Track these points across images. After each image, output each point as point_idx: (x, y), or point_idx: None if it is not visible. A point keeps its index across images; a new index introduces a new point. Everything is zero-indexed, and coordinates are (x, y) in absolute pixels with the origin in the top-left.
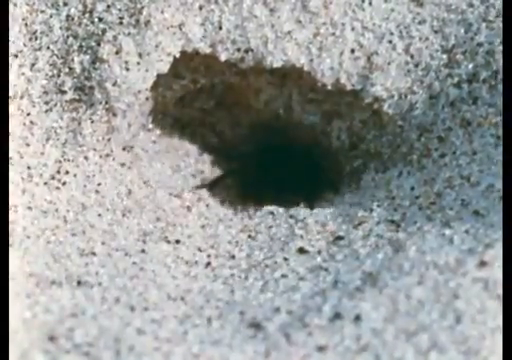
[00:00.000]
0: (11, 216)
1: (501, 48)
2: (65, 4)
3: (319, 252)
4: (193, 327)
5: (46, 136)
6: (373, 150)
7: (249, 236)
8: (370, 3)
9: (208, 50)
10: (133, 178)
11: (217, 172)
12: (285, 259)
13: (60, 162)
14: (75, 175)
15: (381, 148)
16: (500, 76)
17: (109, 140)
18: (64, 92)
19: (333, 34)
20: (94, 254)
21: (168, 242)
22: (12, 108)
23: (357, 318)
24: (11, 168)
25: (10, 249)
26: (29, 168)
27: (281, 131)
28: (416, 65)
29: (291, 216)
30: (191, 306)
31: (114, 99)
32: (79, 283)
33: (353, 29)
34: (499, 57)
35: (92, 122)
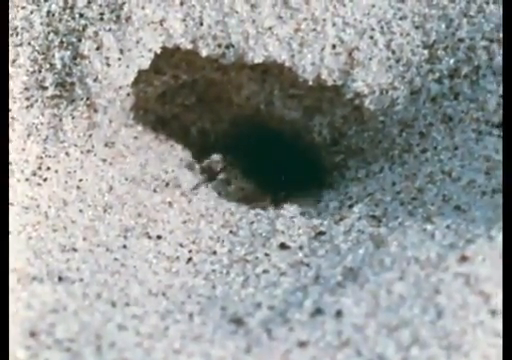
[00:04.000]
0: None
1: (482, 43)
2: (46, 0)
3: (300, 247)
4: (174, 323)
5: (27, 132)
6: (354, 146)
7: (230, 231)
8: None
9: (189, 46)
10: (114, 174)
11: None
12: (266, 254)
13: (41, 158)
14: (56, 171)
15: (362, 144)
16: (481, 71)
17: (90, 136)
18: (45, 88)
19: (314, 30)
20: (75, 250)
21: (149, 238)
22: None
23: (338, 313)
24: None
25: None
26: (10, 164)
27: (262, 126)
28: (397, 61)
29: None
30: (172, 302)
31: (95, 95)
32: (60, 279)
33: (334, 25)
34: (480, 52)
35: (73, 118)
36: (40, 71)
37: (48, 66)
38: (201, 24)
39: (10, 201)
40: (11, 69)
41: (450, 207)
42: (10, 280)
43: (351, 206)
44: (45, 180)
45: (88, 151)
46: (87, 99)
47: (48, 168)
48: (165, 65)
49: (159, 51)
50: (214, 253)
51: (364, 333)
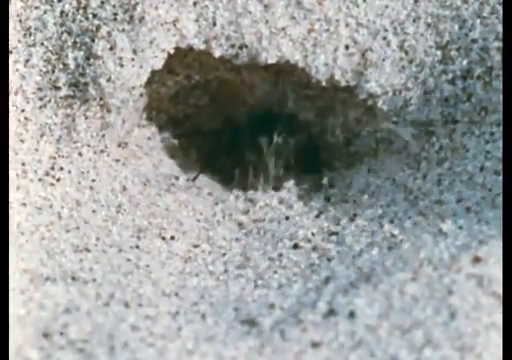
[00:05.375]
0: None
1: (496, 44)
2: (59, 0)
3: (313, 248)
4: (187, 323)
5: (40, 132)
6: (367, 146)
7: (243, 232)
8: None
9: (202, 46)
10: (128, 174)
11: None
12: (280, 255)
13: (54, 158)
14: (69, 171)
15: (375, 144)
16: (495, 72)
17: (103, 136)
18: (58, 88)
19: (327, 30)
20: (88, 250)
21: (163, 238)
22: None
23: (351, 314)
24: None
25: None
26: (23, 164)
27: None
28: (410, 61)
29: (285, 211)
30: (185, 302)
31: (108, 95)
32: (73, 279)
33: (347, 25)
34: (493, 53)
35: (86, 118)
36: (53, 71)
37: (61, 66)
38: (214, 24)
39: (23, 202)
40: (24, 69)
41: (463, 208)
42: (23, 280)
43: (364, 206)
44: (58, 180)
45: (101, 151)
46: (100, 99)
47: (61, 168)
48: (178, 65)
49: (172, 51)
50: (227, 254)
51: (377, 334)
